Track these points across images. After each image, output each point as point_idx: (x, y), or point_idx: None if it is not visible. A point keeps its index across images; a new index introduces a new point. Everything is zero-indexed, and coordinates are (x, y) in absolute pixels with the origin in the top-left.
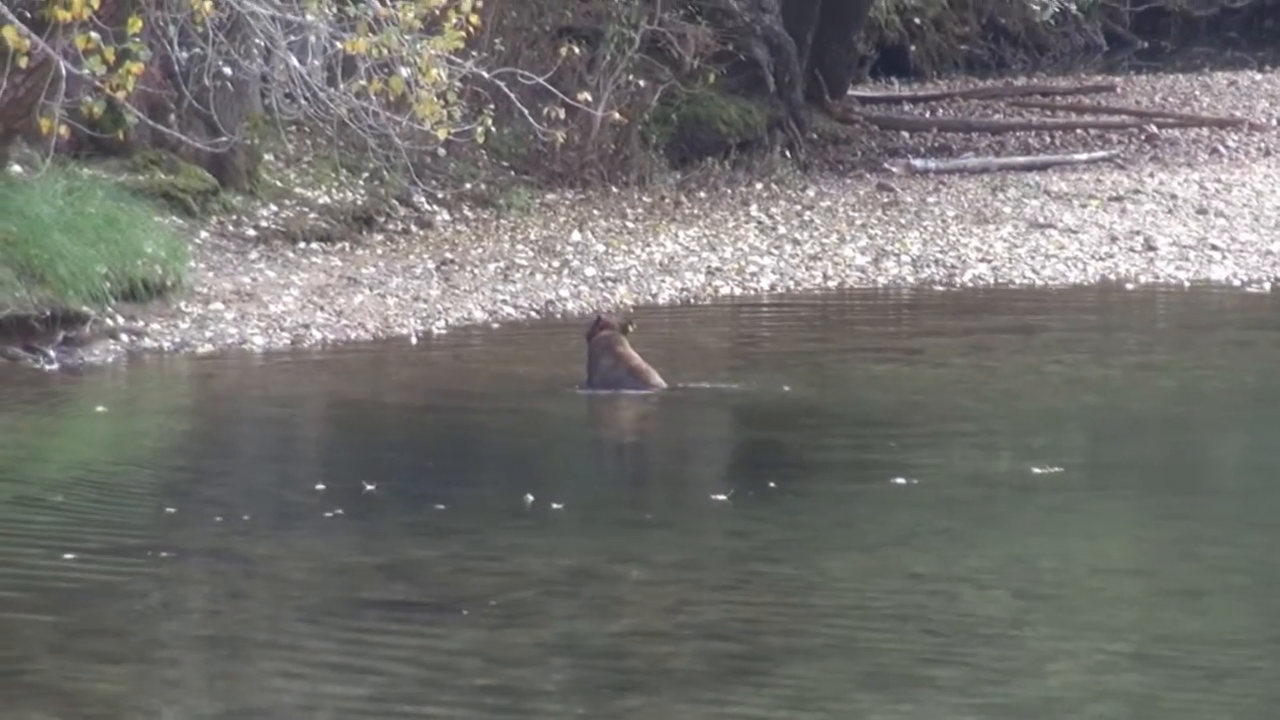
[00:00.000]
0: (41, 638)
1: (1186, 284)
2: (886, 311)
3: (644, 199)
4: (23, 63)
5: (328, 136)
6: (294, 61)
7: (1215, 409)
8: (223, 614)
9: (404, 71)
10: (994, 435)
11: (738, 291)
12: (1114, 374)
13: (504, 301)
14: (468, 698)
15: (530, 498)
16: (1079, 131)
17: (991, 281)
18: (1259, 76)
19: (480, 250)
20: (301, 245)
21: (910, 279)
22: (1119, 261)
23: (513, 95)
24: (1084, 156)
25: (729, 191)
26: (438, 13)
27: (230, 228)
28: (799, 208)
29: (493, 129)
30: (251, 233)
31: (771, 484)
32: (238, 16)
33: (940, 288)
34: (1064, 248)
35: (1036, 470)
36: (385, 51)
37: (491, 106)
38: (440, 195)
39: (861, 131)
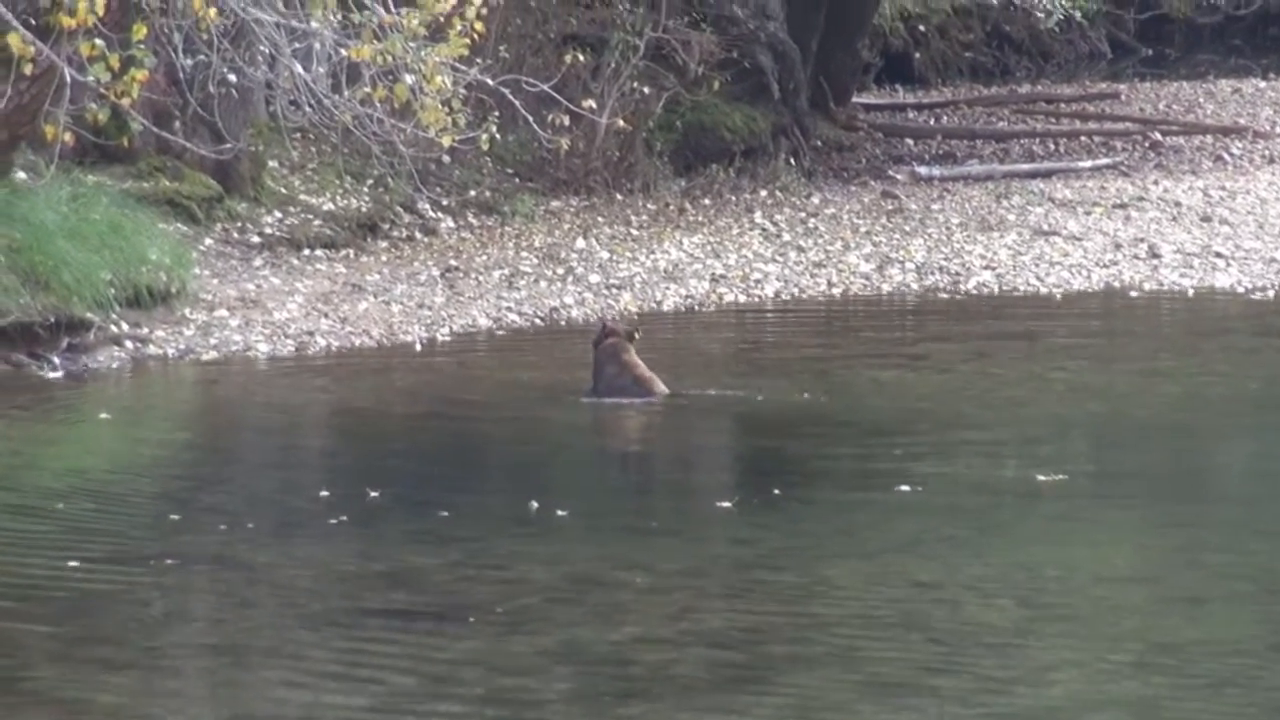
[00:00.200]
0: (44, 645)
1: (1190, 291)
2: (891, 318)
3: (648, 206)
4: (27, 69)
5: (332, 143)
6: (299, 68)
7: (1219, 416)
8: (226, 622)
9: (409, 79)
10: (998, 442)
11: (742, 298)
12: (1118, 381)
13: (508, 308)
14: (471, 705)
15: (535, 505)
16: (1083, 139)
17: (996, 288)
18: (1263, 84)
19: (485, 257)
20: (306, 252)
21: (915, 286)
22: (1123, 269)
23: (517, 102)
24: (1088, 164)
25: (733, 198)
26: (442, 20)
27: (235, 234)
28: (803, 215)
29: (497, 136)
30: (256, 239)
31: (776, 491)
32: (242, 23)
33: (945, 295)
34: (1068, 255)
35: (1041, 478)
36: (390, 59)
37: (496, 113)
38: (445, 202)
39: (866, 138)
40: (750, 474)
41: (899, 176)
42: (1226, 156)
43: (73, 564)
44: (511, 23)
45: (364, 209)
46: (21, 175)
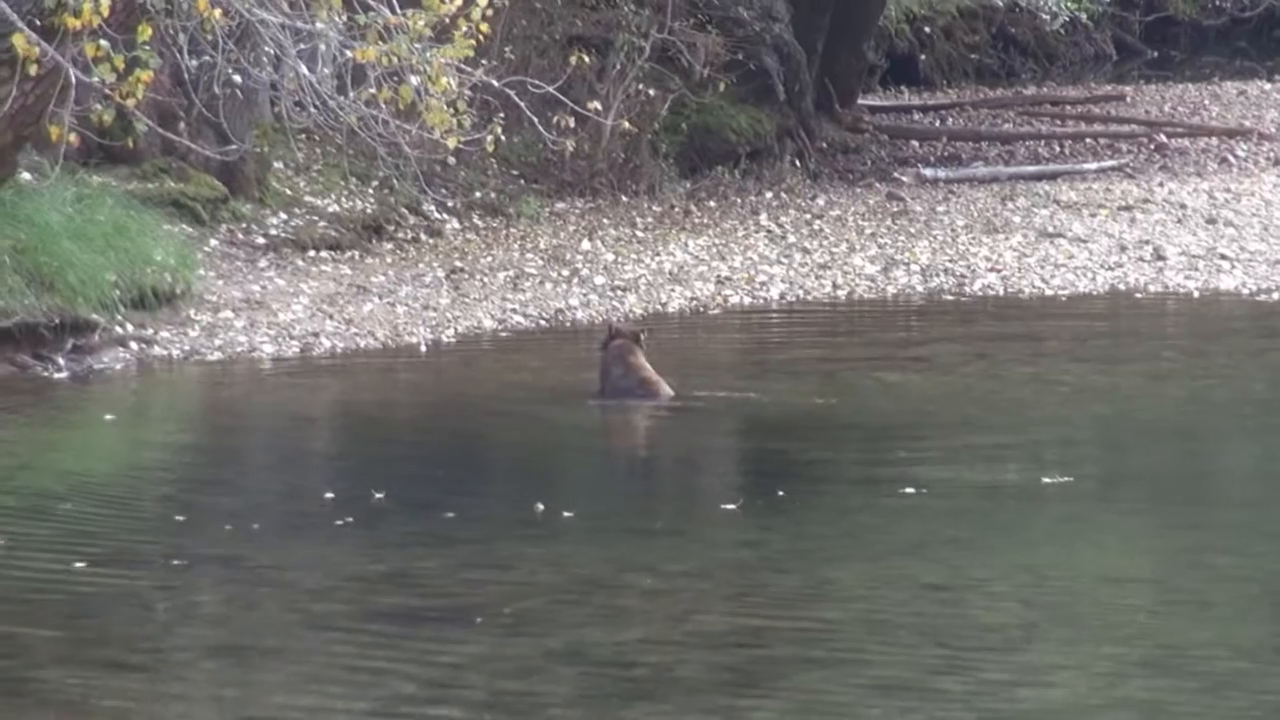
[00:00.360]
0: (49, 647)
1: (1196, 293)
2: (896, 320)
3: (654, 208)
4: (32, 70)
5: (337, 145)
6: (304, 70)
7: (1224, 418)
8: (231, 623)
9: (414, 80)
10: (1003, 445)
11: (747, 300)
12: (1123, 383)
13: (513, 310)
14: (475, 707)
15: (540, 506)
16: (1088, 141)
17: (1001, 291)
18: (1268, 86)
19: (490, 259)
20: (311, 253)
21: (920, 288)
22: (1128, 271)
23: (522, 104)
24: (1093, 166)
25: (738, 200)
26: (448, 21)
27: (240, 236)
28: (808, 216)
29: (502, 138)
30: (261, 241)
31: (780, 493)
32: (247, 24)
33: (950, 297)
34: (1073, 257)
35: (1046, 480)
36: (395, 60)
37: (501, 115)
38: (450, 204)
39: (871, 140)
40: (755, 476)
41: (904, 178)
42: (1231, 159)
43: (78, 565)
44: (517, 24)
45: (369, 210)
46: (26, 176)
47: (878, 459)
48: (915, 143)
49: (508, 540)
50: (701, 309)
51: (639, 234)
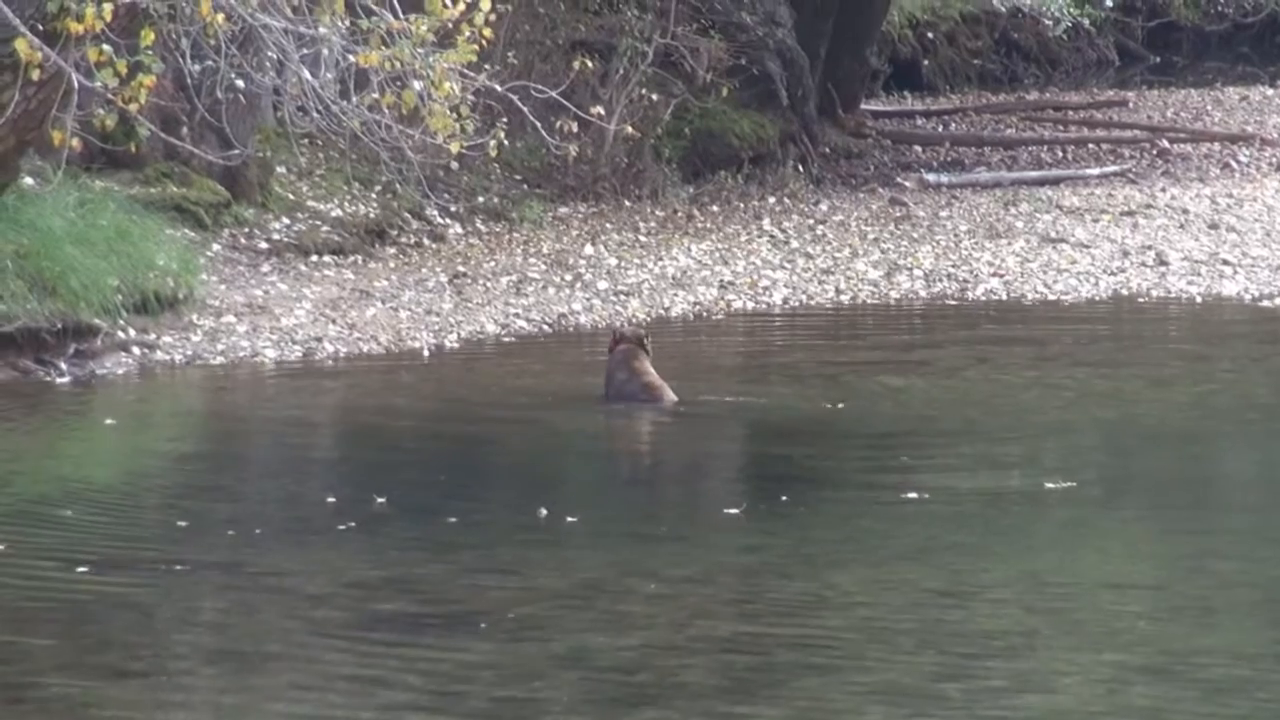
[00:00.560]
0: (51, 653)
1: (1198, 299)
2: (899, 325)
3: (657, 213)
4: (35, 75)
5: (340, 149)
6: (306, 74)
7: (1227, 424)
8: (234, 628)
9: (417, 85)
10: (1006, 449)
11: (750, 305)
12: (1126, 388)
13: (516, 315)
14: (478, 711)
15: (543, 511)
16: (1091, 146)
17: (1004, 296)
18: (1270, 91)
19: (493, 264)
20: (314, 258)
21: (923, 293)
22: (1131, 276)
23: (525, 109)
24: (1096, 171)
25: (741, 205)
26: (451, 26)
27: (242, 240)
28: (811, 222)
29: (505, 142)
30: (264, 245)
31: (784, 498)
32: (250, 29)
33: (953, 302)
34: (1076, 262)
35: (1048, 485)
36: (398, 65)
37: (504, 120)
38: (453, 208)
39: (874, 145)
40: (758, 481)
41: (907, 184)
42: (1234, 164)
43: (80, 570)
44: (520, 29)
45: (372, 215)
46: (29, 181)
47: (880, 464)
48: (918, 148)
49: (510, 545)
50: (704, 314)
51: (642, 239)
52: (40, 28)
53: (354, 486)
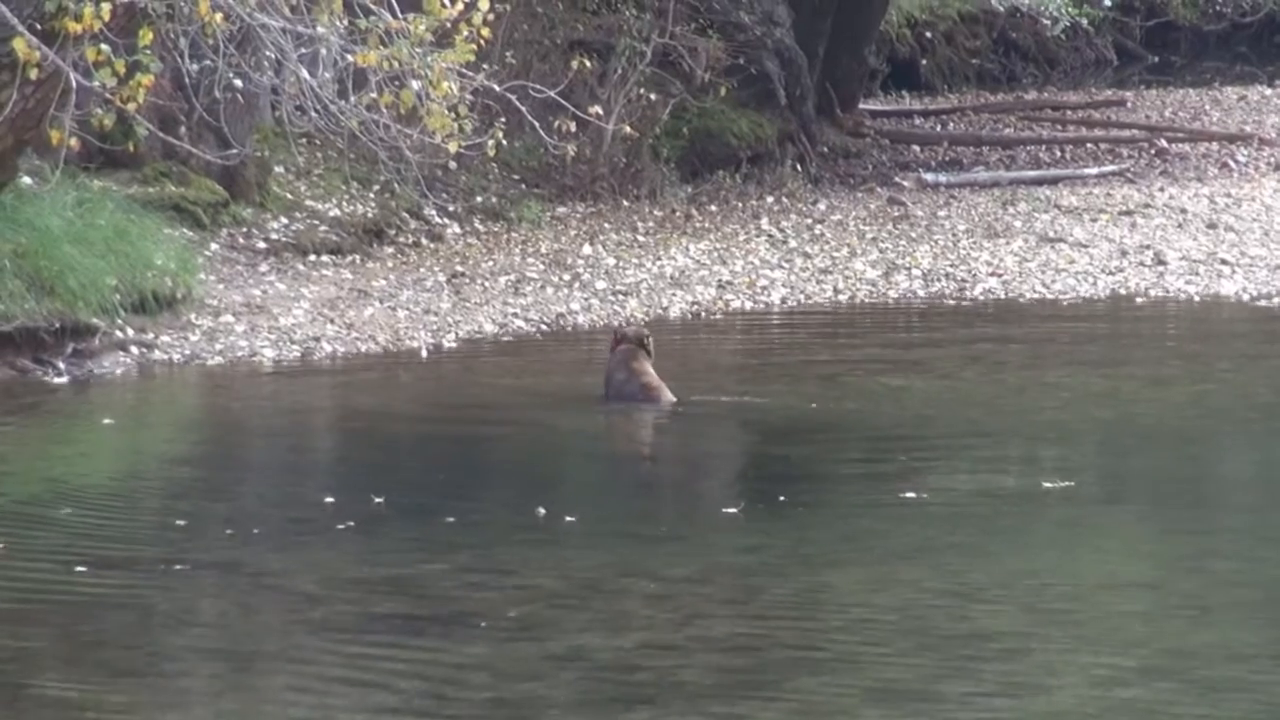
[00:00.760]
0: (50, 651)
1: (1196, 298)
2: (897, 325)
3: (655, 212)
4: (33, 74)
5: (338, 149)
6: (305, 74)
7: (1225, 423)
8: (232, 627)
9: (415, 84)
10: (1004, 449)
11: (749, 305)
12: (1124, 388)
13: (514, 315)
14: (476, 711)
15: (542, 511)
16: (1089, 146)
17: (1002, 295)
18: (1269, 91)
19: (491, 263)
20: (312, 258)
21: (921, 293)
22: (1129, 276)
23: (524, 108)
24: (1094, 171)
25: (740, 205)
26: (449, 26)
27: (240, 240)
28: (810, 221)
29: (504, 142)
30: (262, 245)
31: (782, 498)
32: (248, 29)
33: (951, 301)
34: (1074, 262)
35: (1046, 484)
36: (396, 64)
37: (502, 120)
38: (451, 208)
39: (872, 145)
40: (756, 480)
41: (905, 183)
42: (1232, 163)
43: (79, 569)
44: (518, 29)
45: (370, 215)
46: (27, 180)
47: (879, 463)
48: (916, 147)
49: (509, 545)
50: (703, 313)
51: (640, 238)
52: (38, 27)
53: (352, 486)
